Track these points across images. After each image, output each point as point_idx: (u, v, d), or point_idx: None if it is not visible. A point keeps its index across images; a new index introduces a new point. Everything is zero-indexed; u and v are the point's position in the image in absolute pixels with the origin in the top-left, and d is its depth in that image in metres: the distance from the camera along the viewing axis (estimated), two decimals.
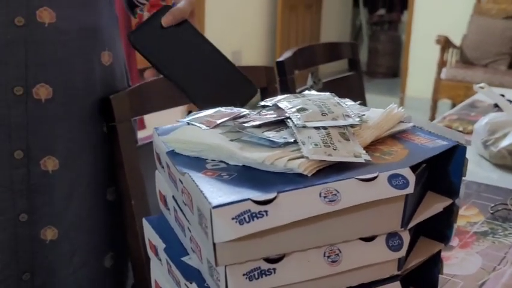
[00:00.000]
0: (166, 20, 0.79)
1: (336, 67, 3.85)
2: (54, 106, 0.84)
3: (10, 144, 0.81)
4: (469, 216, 0.97)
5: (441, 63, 4.22)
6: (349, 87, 1.78)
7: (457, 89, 4.02)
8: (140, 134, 1.10)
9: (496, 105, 1.59)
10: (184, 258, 0.59)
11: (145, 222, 0.69)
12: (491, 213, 0.97)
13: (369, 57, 6.12)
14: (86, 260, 0.92)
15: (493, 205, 1.00)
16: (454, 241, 0.88)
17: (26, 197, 0.83)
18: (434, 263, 0.60)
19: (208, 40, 0.83)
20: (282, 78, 1.49)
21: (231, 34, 4.35)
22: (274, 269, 0.48)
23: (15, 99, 0.80)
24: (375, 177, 0.48)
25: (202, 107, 0.67)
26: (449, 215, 0.58)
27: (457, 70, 4.20)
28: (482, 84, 1.29)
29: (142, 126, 2.47)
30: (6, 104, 0.79)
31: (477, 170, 1.18)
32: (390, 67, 6.03)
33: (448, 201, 0.57)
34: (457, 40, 4.36)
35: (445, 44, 4.21)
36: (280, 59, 1.50)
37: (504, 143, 1.16)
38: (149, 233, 0.68)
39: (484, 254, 0.84)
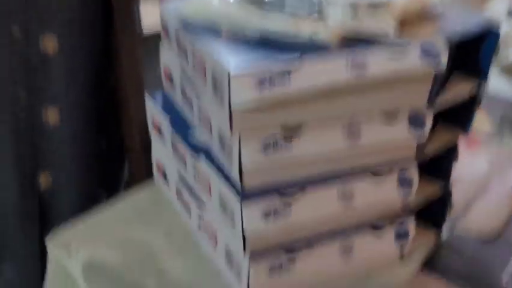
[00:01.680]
0: None
1: None
2: None
3: (8, 20, 0.77)
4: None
5: None
6: None
7: None
8: None
9: None
10: (191, 133, 0.57)
11: (148, 98, 0.65)
12: (500, 121, 0.95)
13: None
14: (84, 145, 0.90)
15: (502, 113, 0.97)
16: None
17: (25, 76, 0.80)
18: (451, 150, 0.58)
19: None
20: None
21: None
22: (290, 140, 0.45)
23: None
24: (405, 49, 0.45)
25: None
26: (472, 101, 0.55)
27: None
28: None
29: None
30: None
31: None
32: None
33: (475, 82, 0.53)
34: None
35: None
36: None
37: None
38: (153, 110, 0.65)
39: (491, 157, 0.83)
